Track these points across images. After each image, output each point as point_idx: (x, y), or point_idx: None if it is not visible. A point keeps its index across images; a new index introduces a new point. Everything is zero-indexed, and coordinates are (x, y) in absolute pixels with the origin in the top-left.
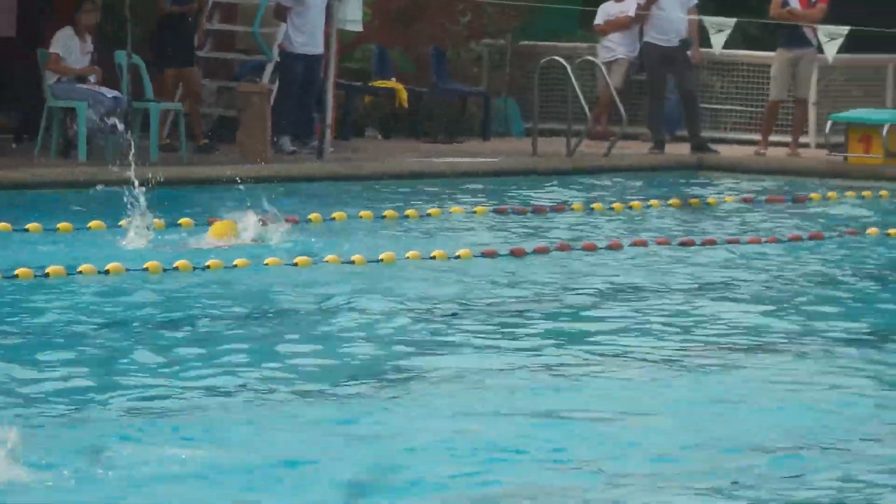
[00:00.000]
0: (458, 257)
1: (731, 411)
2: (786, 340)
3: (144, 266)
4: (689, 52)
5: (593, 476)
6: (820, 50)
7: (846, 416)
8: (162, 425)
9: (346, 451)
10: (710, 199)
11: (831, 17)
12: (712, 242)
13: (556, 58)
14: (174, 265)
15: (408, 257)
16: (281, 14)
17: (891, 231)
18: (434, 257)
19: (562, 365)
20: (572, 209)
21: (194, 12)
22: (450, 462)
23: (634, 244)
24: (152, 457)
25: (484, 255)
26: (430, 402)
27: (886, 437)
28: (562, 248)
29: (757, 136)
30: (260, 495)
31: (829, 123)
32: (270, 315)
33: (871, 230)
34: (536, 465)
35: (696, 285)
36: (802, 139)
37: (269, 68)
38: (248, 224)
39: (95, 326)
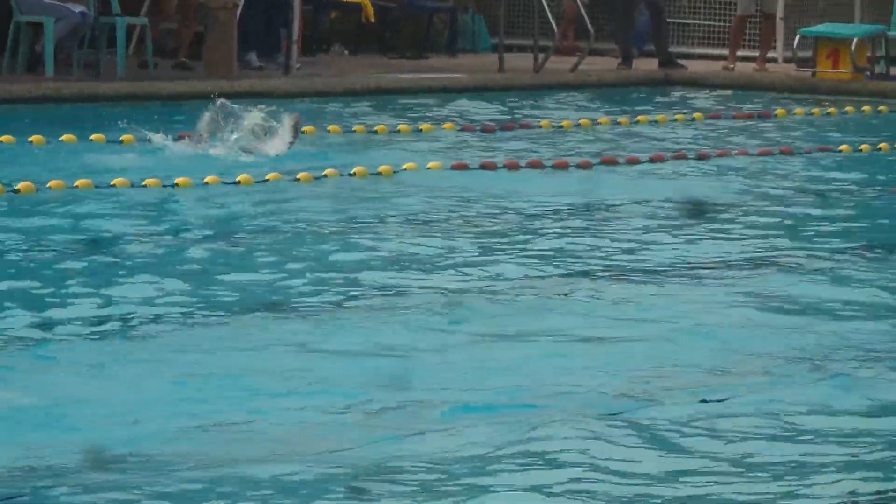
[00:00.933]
0: (428, 169)
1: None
2: (759, 255)
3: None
4: None
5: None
6: None
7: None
8: None
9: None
10: (677, 115)
11: None
12: (682, 157)
13: None
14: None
15: (380, 172)
16: None
17: (863, 147)
18: (405, 169)
19: (520, 284)
20: (540, 126)
21: None
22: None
23: (603, 162)
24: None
25: (453, 168)
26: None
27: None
28: (533, 165)
29: (725, 51)
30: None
31: (797, 38)
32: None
33: (843, 147)
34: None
35: (666, 201)
36: (770, 54)
37: None
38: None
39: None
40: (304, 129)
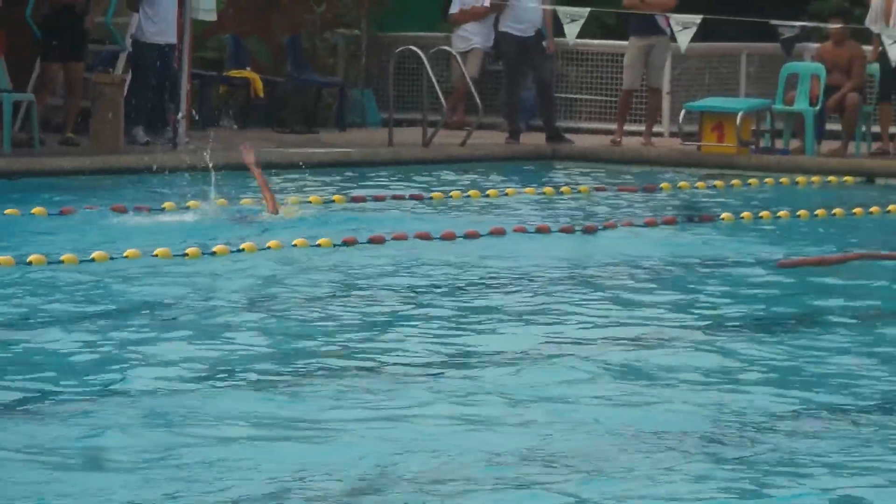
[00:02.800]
0: (318, 246)
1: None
2: (648, 325)
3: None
4: (544, 42)
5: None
6: (673, 38)
7: (704, 404)
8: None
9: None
10: (563, 189)
11: (682, 6)
12: (569, 230)
13: (412, 47)
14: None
15: (269, 246)
16: (133, 4)
17: (744, 214)
18: (295, 245)
19: (417, 358)
20: (431, 198)
21: (83, 4)
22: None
23: (492, 233)
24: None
25: (345, 242)
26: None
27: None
28: (421, 237)
29: (613, 126)
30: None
31: (682, 112)
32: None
33: (726, 215)
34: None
35: (555, 272)
36: (656, 128)
37: (122, 58)
38: None
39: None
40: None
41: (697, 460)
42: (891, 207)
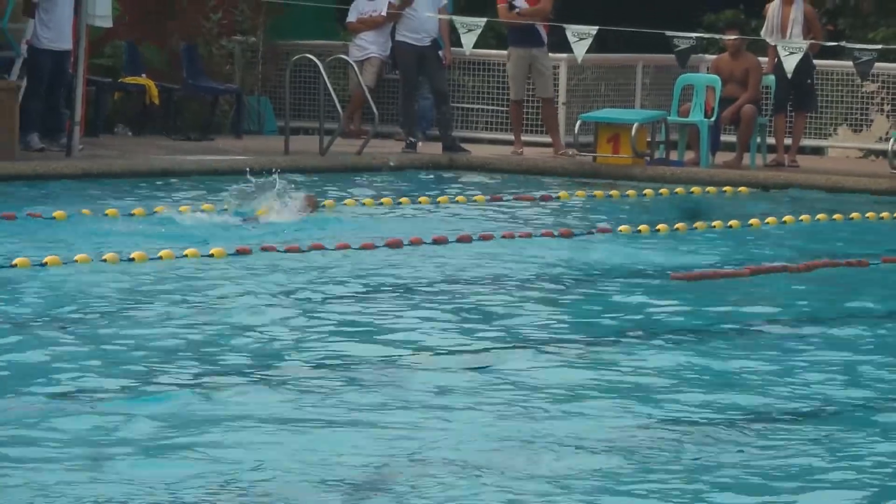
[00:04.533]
0: (210, 255)
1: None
2: (539, 336)
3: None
4: (440, 52)
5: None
6: (569, 49)
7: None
8: None
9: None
10: (459, 198)
11: (577, 17)
12: (467, 239)
13: (308, 55)
14: None
15: (160, 256)
16: (29, 10)
17: (642, 228)
18: (186, 255)
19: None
20: (324, 206)
21: None
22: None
23: (388, 244)
24: None
25: (238, 252)
26: None
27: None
28: (315, 248)
29: (510, 136)
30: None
31: (578, 123)
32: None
33: (623, 228)
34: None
35: (453, 281)
36: (547, 138)
37: (17, 64)
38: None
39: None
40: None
41: (589, 467)
42: (787, 218)
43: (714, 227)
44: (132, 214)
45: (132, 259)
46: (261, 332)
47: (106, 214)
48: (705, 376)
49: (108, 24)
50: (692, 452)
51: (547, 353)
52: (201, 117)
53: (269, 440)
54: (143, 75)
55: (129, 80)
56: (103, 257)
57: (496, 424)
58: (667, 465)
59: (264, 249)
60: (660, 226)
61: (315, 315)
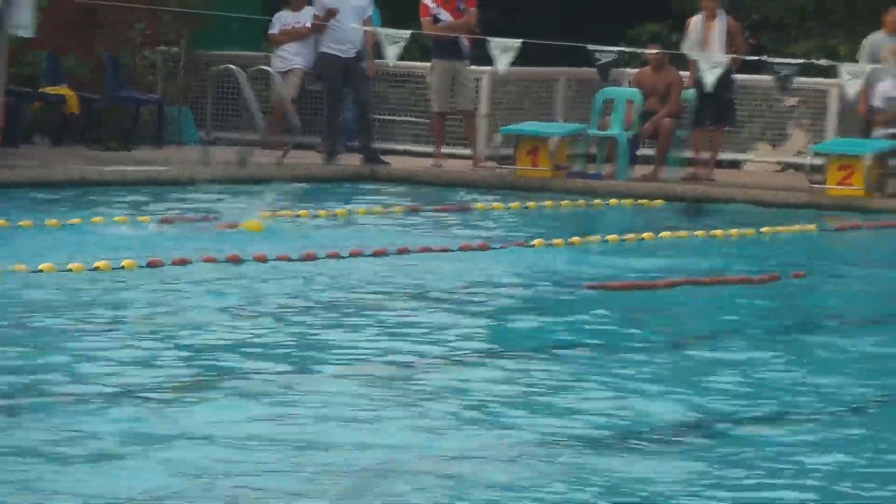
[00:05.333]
0: (122, 268)
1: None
2: (455, 348)
3: None
4: (364, 64)
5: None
6: (491, 62)
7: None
8: None
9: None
10: (377, 209)
11: (500, 31)
12: (383, 253)
13: (230, 66)
14: None
15: (70, 269)
16: None
17: (555, 241)
18: (97, 268)
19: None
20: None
21: None
22: None
23: (304, 258)
24: None
25: (149, 265)
26: None
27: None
28: (232, 260)
29: (432, 148)
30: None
31: (498, 136)
32: None
33: (537, 241)
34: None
35: (367, 294)
36: (470, 151)
37: None
38: None
39: None
40: None
41: (490, 479)
42: (699, 232)
43: (627, 239)
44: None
45: (69, 269)
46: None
47: (45, 225)
48: (612, 387)
49: (31, 34)
50: (593, 464)
51: (462, 364)
52: (122, 127)
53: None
54: (65, 85)
55: (50, 89)
56: (40, 267)
57: (403, 434)
58: (564, 478)
59: (175, 263)
60: (574, 238)
61: (231, 328)
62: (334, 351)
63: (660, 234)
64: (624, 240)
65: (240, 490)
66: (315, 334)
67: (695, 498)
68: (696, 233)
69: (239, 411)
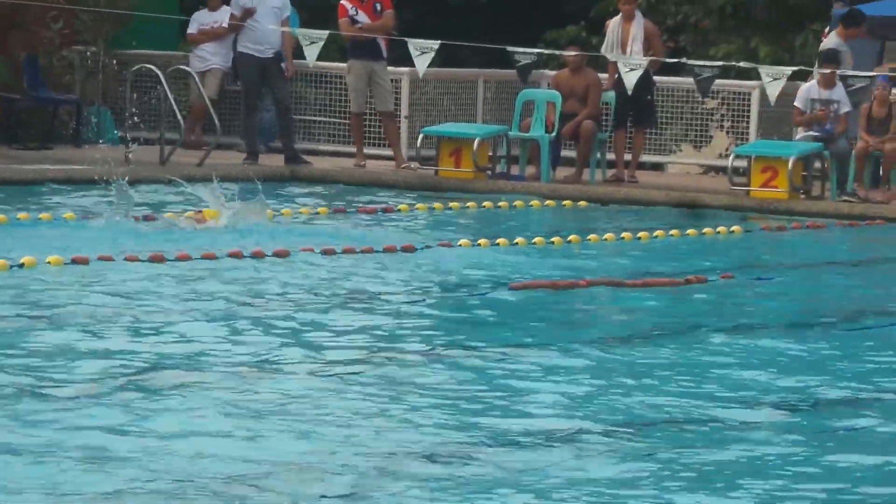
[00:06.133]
0: (48, 263)
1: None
2: (382, 347)
3: None
4: (282, 64)
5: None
6: (411, 63)
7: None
8: None
9: None
10: (302, 210)
11: (419, 32)
12: (310, 250)
13: (149, 66)
14: None
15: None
16: None
17: (481, 242)
18: (23, 265)
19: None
20: (165, 216)
21: None
22: None
23: (230, 255)
24: None
25: (74, 261)
26: None
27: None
28: (154, 259)
29: (352, 148)
30: None
31: (420, 137)
32: None
33: (463, 241)
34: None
35: (292, 294)
36: (389, 152)
37: None
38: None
39: None
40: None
41: (409, 475)
42: (625, 235)
43: (553, 242)
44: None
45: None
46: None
47: None
48: (538, 384)
49: None
50: (515, 462)
51: (387, 364)
52: (41, 127)
53: None
54: None
55: None
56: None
57: (327, 431)
58: (481, 475)
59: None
60: (500, 239)
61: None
62: (272, 348)
63: (587, 237)
64: (550, 242)
65: None
66: (239, 334)
67: (619, 496)
68: (621, 235)
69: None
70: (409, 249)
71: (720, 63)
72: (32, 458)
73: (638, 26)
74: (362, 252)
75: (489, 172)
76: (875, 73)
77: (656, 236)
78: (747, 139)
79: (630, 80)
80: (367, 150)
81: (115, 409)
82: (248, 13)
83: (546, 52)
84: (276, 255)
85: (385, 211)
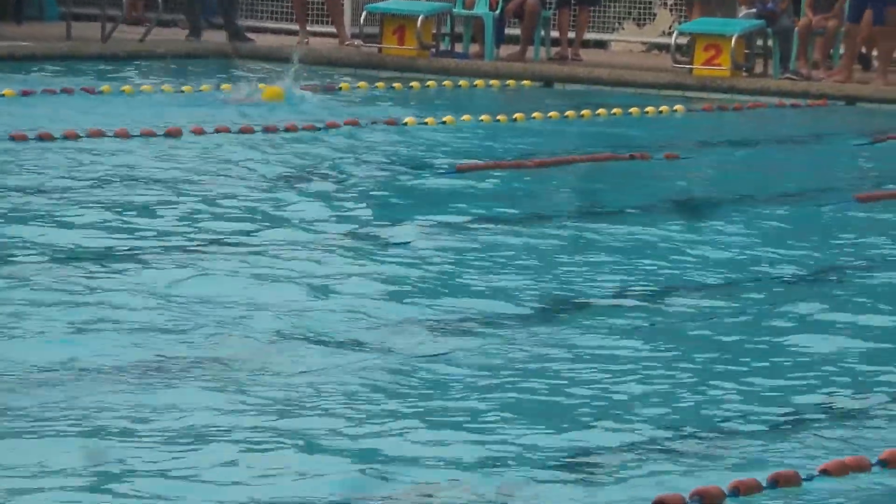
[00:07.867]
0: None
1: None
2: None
3: None
4: None
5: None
6: None
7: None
8: None
9: None
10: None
11: None
12: (250, 130)
13: None
14: None
15: None
16: None
17: (428, 120)
18: None
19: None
20: (101, 91)
21: None
22: None
23: (168, 133)
24: None
25: (12, 138)
26: None
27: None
28: (93, 135)
29: (296, 26)
30: None
31: (363, 14)
32: None
33: (409, 119)
34: None
35: (223, 174)
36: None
37: None
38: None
39: None
40: None
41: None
42: (568, 113)
43: (499, 120)
44: None
45: None
46: None
47: None
48: (484, 262)
49: None
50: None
51: (325, 250)
52: None
53: None
54: None
55: None
56: None
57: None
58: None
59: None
60: (446, 118)
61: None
62: (173, 230)
63: (532, 115)
64: (496, 119)
65: None
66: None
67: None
68: (565, 113)
69: None
70: (353, 124)
71: None
72: None
73: None
74: (303, 129)
75: (433, 50)
76: None
77: (599, 114)
78: (691, 17)
79: None
80: (310, 28)
81: None
82: None
83: None
84: (243, 131)
85: (328, 89)
